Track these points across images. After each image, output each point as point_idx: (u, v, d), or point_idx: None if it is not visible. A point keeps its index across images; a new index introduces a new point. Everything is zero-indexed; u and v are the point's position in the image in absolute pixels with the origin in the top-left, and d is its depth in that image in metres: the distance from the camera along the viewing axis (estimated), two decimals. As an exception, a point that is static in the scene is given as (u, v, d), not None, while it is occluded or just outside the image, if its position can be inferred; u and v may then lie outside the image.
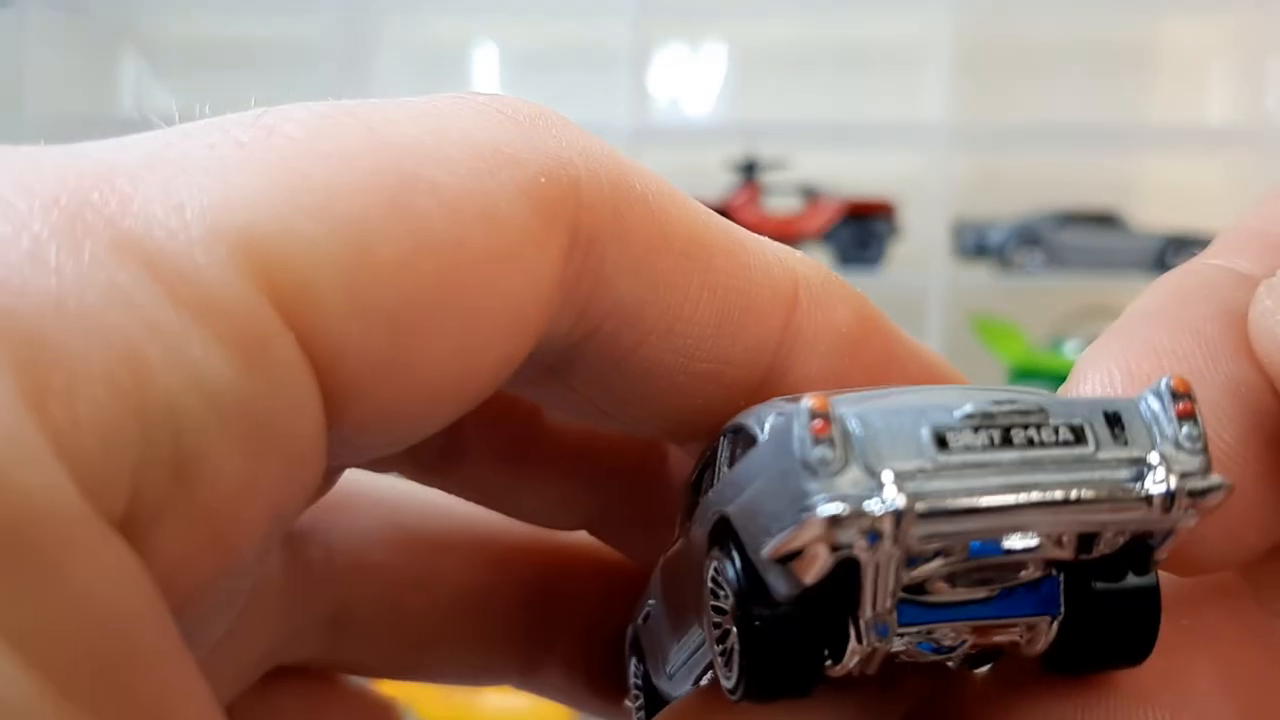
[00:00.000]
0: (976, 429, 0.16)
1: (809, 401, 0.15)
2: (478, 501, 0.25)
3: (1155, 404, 0.17)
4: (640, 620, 0.23)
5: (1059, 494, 0.16)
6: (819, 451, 0.15)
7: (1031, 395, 0.17)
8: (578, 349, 0.19)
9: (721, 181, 1.20)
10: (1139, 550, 0.17)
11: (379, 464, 0.24)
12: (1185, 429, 0.16)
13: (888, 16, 1.25)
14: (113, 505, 0.13)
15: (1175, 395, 0.16)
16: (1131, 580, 0.17)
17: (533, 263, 0.17)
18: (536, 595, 0.26)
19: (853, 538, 0.15)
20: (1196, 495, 0.16)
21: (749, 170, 1.21)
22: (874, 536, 0.15)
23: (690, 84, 1.33)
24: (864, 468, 0.15)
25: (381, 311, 0.15)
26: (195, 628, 0.16)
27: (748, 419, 0.18)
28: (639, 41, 1.28)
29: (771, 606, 0.17)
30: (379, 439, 0.17)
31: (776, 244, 0.20)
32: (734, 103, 1.32)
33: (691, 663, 0.20)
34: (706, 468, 0.19)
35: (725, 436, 0.19)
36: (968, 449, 0.16)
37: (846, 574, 0.16)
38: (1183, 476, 0.16)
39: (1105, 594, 0.17)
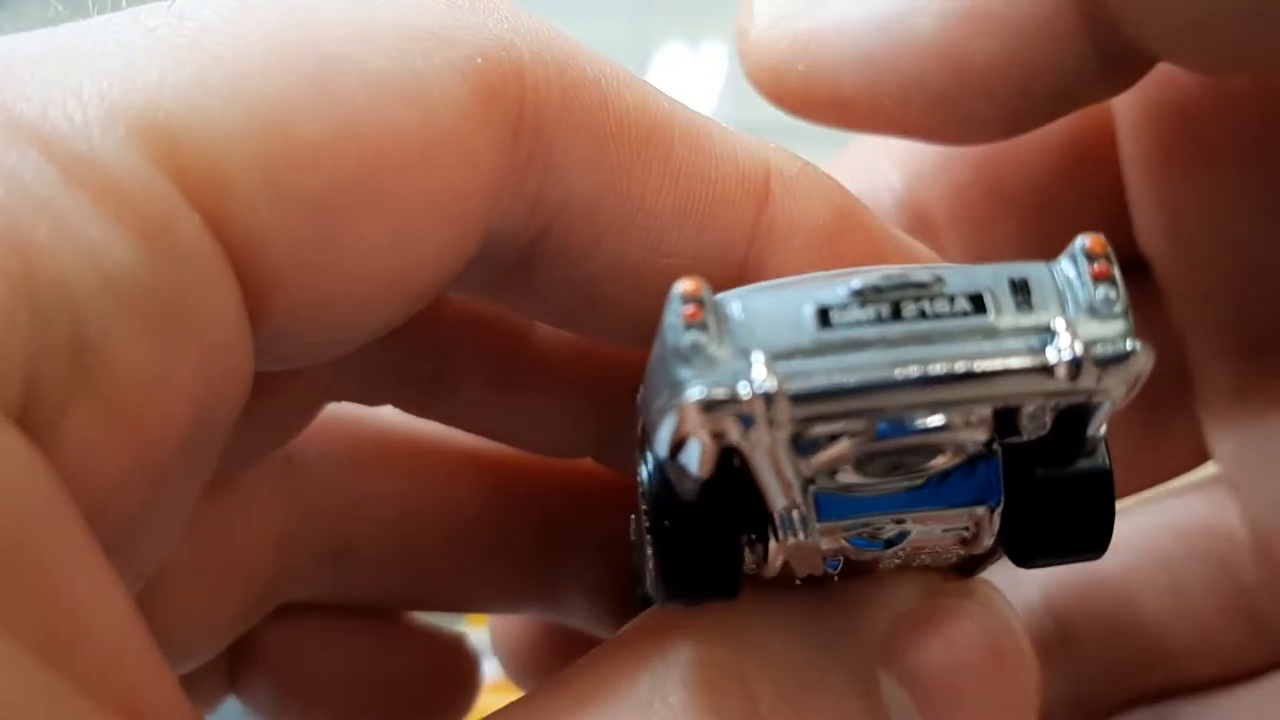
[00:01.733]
0: (864, 304, 0.15)
1: (683, 285, 0.15)
2: (476, 433, 0.25)
3: (1070, 268, 0.16)
4: (630, 534, 0.23)
5: (944, 367, 0.15)
6: (690, 336, 0.15)
7: (937, 268, 0.16)
8: (535, 246, 0.19)
9: (721, 180, 1.20)
10: (1074, 428, 0.16)
11: (368, 396, 0.24)
12: (1101, 292, 0.15)
13: (889, 15, 1.25)
14: (6, 395, 0.13)
15: (1090, 256, 0.15)
16: (1080, 464, 0.17)
17: (471, 147, 0.16)
18: (549, 521, 0.26)
19: (727, 424, 0.14)
20: (1105, 361, 0.15)
21: (749, 170, 1.20)
22: (748, 420, 0.14)
23: (690, 84, 1.33)
24: (738, 351, 0.15)
25: (302, 197, 0.15)
26: (126, 535, 0.15)
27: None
28: (639, 41, 1.27)
29: (679, 506, 0.16)
30: (317, 334, 0.17)
31: (747, 135, 0.20)
32: (734, 103, 1.31)
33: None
34: None
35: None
36: (852, 325, 0.15)
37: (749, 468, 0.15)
38: (1090, 343, 0.15)
39: (1051, 480, 0.17)
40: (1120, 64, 0.22)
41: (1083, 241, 0.16)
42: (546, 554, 0.26)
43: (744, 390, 0.14)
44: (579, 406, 0.24)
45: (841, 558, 0.18)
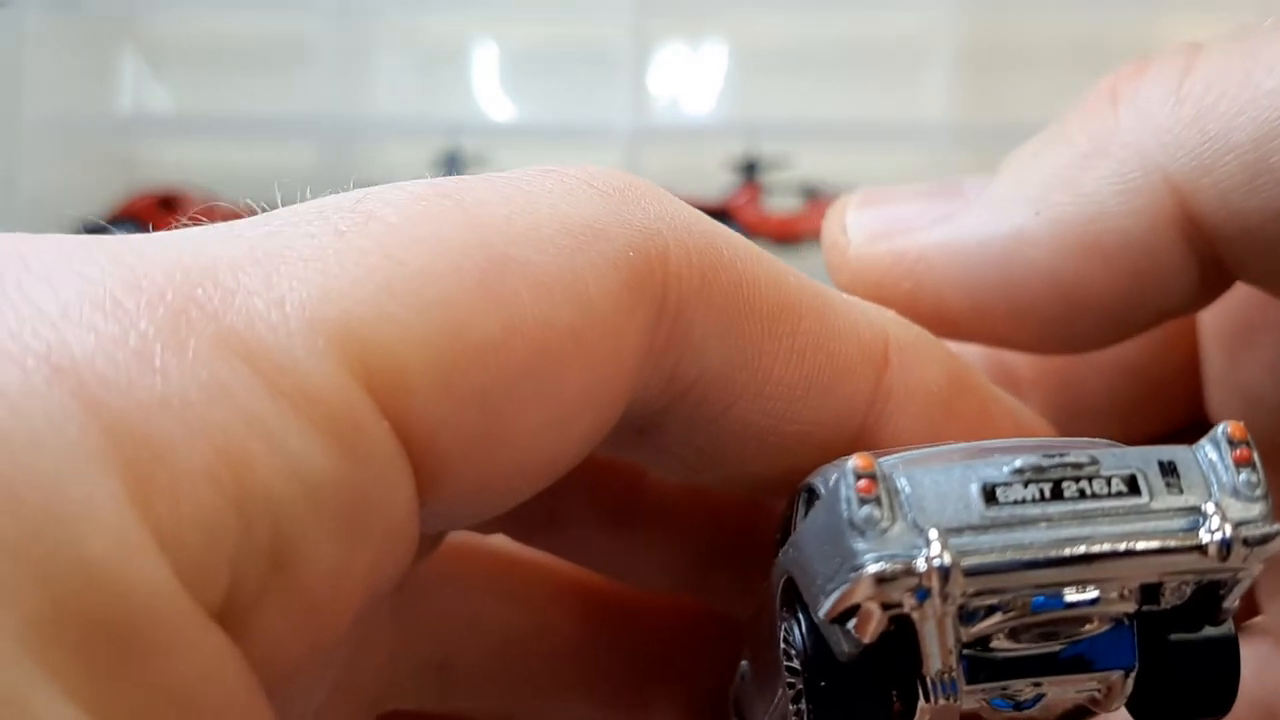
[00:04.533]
0: (1027, 483, 0.16)
1: (855, 461, 0.16)
2: (581, 564, 0.25)
3: (1212, 452, 0.16)
4: (738, 679, 0.23)
5: (1108, 546, 0.16)
6: (865, 510, 0.15)
7: (1086, 447, 0.16)
8: (666, 411, 0.19)
9: (721, 181, 1.20)
10: (1209, 599, 0.17)
11: (483, 527, 0.25)
12: (1243, 476, 0.16)
13: (890, 15, 1.25)
14: (212, 596, 0.14)
15: (1232, 442, 0.16)
16: (1208, 631, 0.17)
17: (620, 335, 0.17)
18: (646, 651, 0.27)
19: (902, 595, 0.15)
20: (1253, 543, 0.16)
21: (749, 170, 1.20)
22: (922, 594, 0.15)
23: (690, 83, 1.33)
24: (911, 525, 0.15)
25: (473, 392, 0.16)
26: (294, 698, 0.17)
27: (816, 478, 0.18)
28: (639, 41, 1.28)
29: (837, 667, 0.17)
30: (470, 509, 0.18)
31: (866, 303, 0.21)
32: (734, 102, 1.31)
33: None
34: (784, 527, 0.19)
35: (800, 495, 0.19)
36: (1017, 503, 0.16)
37: (907, 632, 0.16)
38: (1238, 524, 0.16)
39: (1181, 645, 0.17)
40: (1215, 285, 0.23)
41: (1225, 428, 0.16)
42: (640, 682, 0.26)
43: (921, 564, 0.15)
44: (682, 547, 0.25)
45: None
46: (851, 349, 0.20)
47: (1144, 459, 0.16)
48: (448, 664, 0.25)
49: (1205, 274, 0.22)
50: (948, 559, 0.15)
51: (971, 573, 0.15)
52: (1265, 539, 0.16)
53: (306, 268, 0.15)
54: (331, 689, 0.22)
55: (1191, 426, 0.26)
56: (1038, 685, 0.17)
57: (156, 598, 0.13)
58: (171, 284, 0.15)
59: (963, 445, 0.18)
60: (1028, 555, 0.16)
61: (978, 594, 0.16)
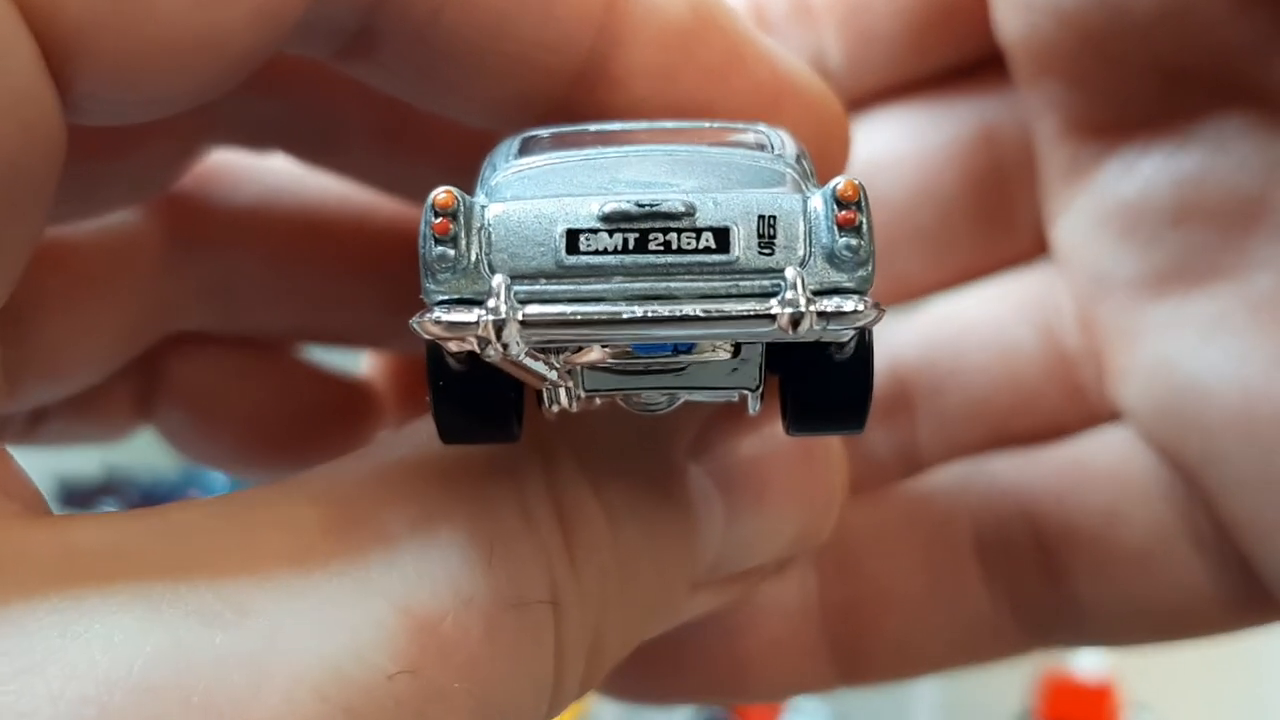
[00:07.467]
0: (612, 231, 0.15)
1: (437, 195, 0.15)
2: (364, 184, 0.25)
3: (821, 206, 0.15)
4: None
5: (666, 309, 0.15)
6: (439, 250, 0.15)
7: (689, 193, 0.15)
8: (376, 15, 0.18)
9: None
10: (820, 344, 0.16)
11: (254, 145, 0.24)
12: (844, 240, 0.15)
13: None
14: None
15: (841, 203, 0.15)
16: (836, 356, 0.16)
17: None
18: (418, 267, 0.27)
19: (466, 340, 0.15)
20: (830, 316, 0.15)
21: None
22: (483, 341, 0.15)
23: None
24: (486, 268, 0.15)
25: None
26: None
27: (497, 146, 0.18)
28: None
29: (452, 374, 0.16)
30: (133, 93, 0.17)
31: None
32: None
33: None
34: None
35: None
36: (598, 253, 0.15)
37: None
38: (817, 294, 0.15)
39: (816, 368, 0.17)
40: None
41: (837, 184, 0.15)
42: (414, 295, 0.26)
43: (478, 315, 0.15)
44: (458, 169, 0.23)
45: None
46: None
47: (745, 210, 0.15)
48: (224, 281, 0.25)
49: None
50: (503, 312, 0.14)
51: (529, 323, 0.15)
52: (843, 314, 0.15)
53: None
54: (91, 305, 0.22)
55: (984, 59, 0.26)
56: (670, 392, 0.17)
57: None
58: None
59: (587, 165, 0.16)
60: (585, 311, 0.15)
61: (541, 343, 0.15)
